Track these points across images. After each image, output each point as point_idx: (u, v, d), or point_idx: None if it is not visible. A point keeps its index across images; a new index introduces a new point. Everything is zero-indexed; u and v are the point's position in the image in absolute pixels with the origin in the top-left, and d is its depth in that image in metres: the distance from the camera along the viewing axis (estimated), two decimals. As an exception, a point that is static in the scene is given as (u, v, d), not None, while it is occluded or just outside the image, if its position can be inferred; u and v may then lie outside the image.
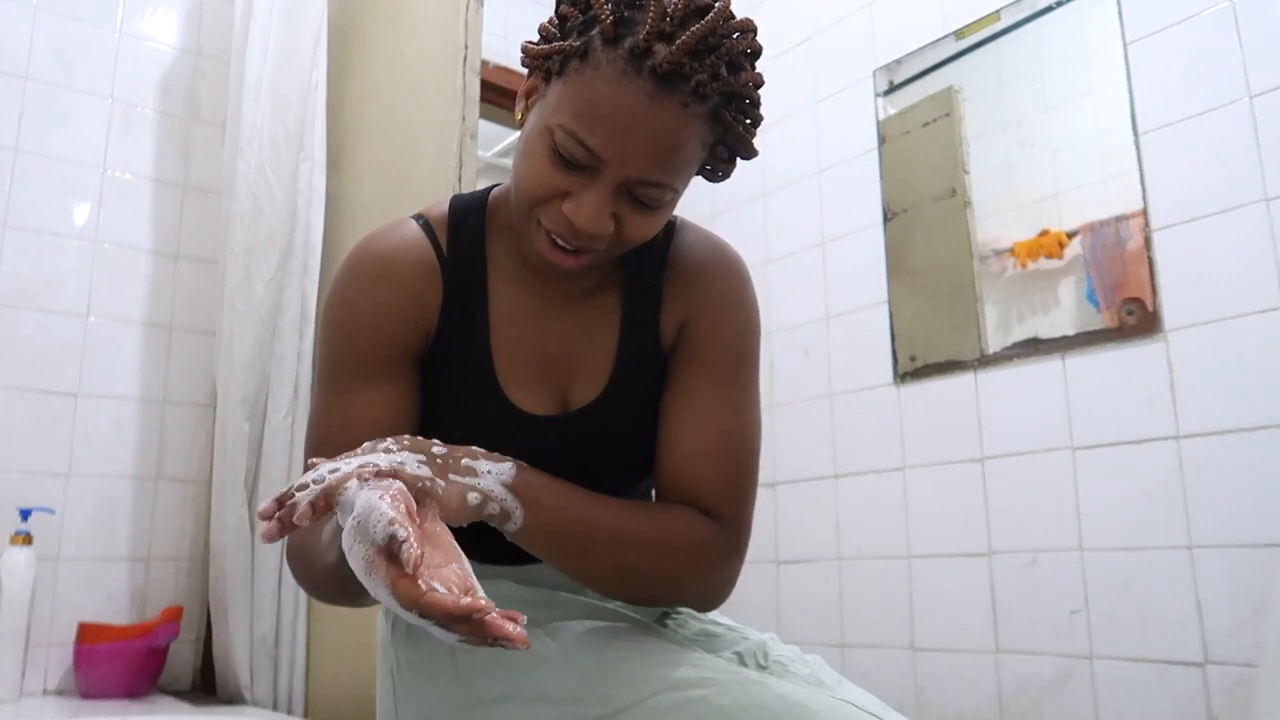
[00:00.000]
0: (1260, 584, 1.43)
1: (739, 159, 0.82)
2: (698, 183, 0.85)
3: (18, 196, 2.04)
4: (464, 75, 1.76)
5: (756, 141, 0.82)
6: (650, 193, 0.77)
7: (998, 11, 1.91)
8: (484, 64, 1.83)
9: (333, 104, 2.18)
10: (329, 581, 0.77)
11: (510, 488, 0.74)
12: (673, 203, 0.81)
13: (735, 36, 0.76)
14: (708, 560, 0.83)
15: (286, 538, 0.82)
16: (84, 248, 2.10)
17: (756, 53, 0.78)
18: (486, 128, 1.86)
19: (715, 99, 0.75)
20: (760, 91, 0.79)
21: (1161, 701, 1.52)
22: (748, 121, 0.79)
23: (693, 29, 0.72)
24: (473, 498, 0.71)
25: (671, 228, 0.94)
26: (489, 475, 0.73)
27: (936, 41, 2.01)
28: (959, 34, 1.97)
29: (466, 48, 1.77)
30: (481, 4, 1.80)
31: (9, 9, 2.08)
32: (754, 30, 0.77)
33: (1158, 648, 1.54)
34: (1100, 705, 1.60)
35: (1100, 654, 1.61)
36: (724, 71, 0.75)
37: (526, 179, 0.79)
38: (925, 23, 2.04)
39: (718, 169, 0.83)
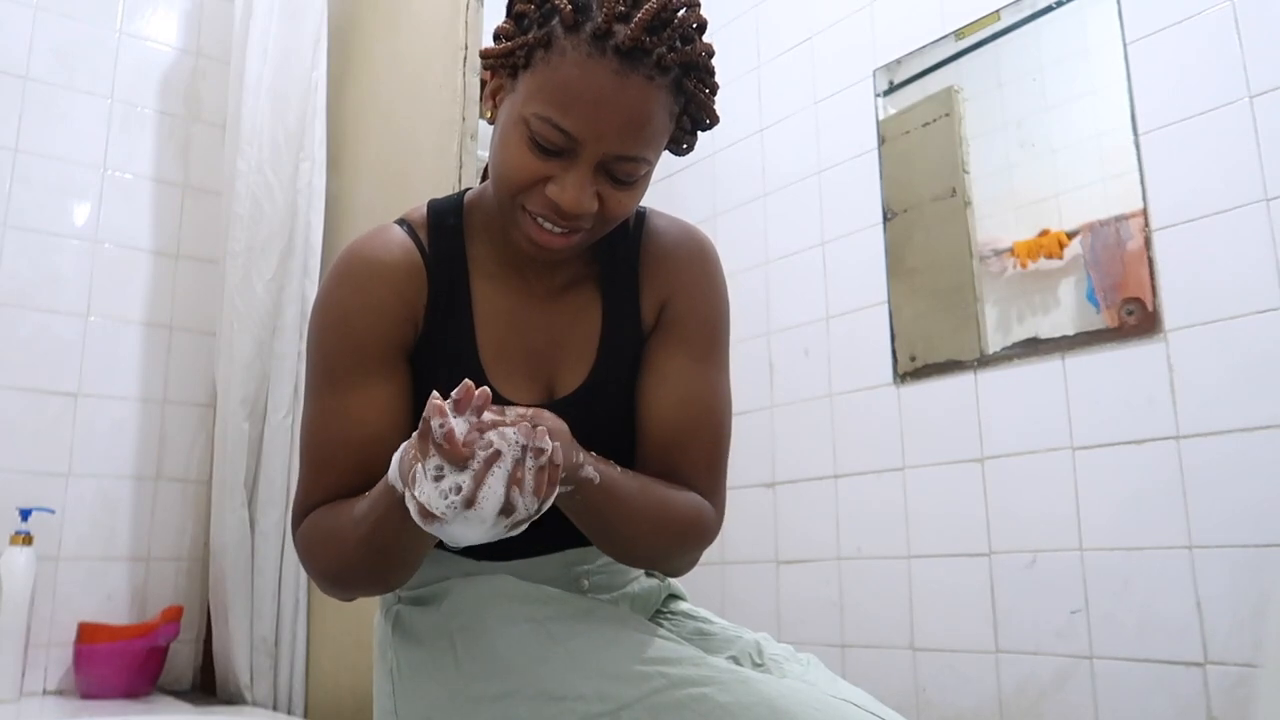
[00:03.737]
0: (1260, 584, 1.42)
1: (699, 130, 0.87)
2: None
3: (18, 196, 2.04)
4: (464, 75, 1.76)
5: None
6: (627, 167, 0.81)
7: (998, 11, 1.91)
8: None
9: (333, 104, 2.18)
10: (358, 559, 0.78)
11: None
12: (647, 176, 0.85)
13: (684, 11, 0.80)
14: (704, 536, 0.89)
15: (303, 532, 0.83)
16: (84, 248, 2.11)
17: (703, 26, 0.83)
18: (486, 128, 1.86)
19: (676, 70, 0.79)
20: (713, 60, 0.84)
21: (1161, 701, 1.52)
22: (706, 90, 0.84)
23: (646, 7, 0.77)
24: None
25: (642, 216, 0.98)
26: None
27: (936, 41, 2.01)
28: (959, 34, 1.97)
29: (466, 48, 1.77)
30: (481, 4, 1.80)
31: (9, 9, 2.08)
32: (699, 5, 0.82)
33: (1158, 648, 1.54)
34: (1100, 705, 1.60)
35: (1100, 654, 1.61)
36: (679, 44, 0.79)
37: (507, 169, 0.82)
38: (925, 23, 2.04)
39: (682, 140, 0.87)
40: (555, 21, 0.78)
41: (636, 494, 0.82)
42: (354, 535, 0.77)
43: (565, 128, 0.77)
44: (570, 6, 0.77)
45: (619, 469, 0.82)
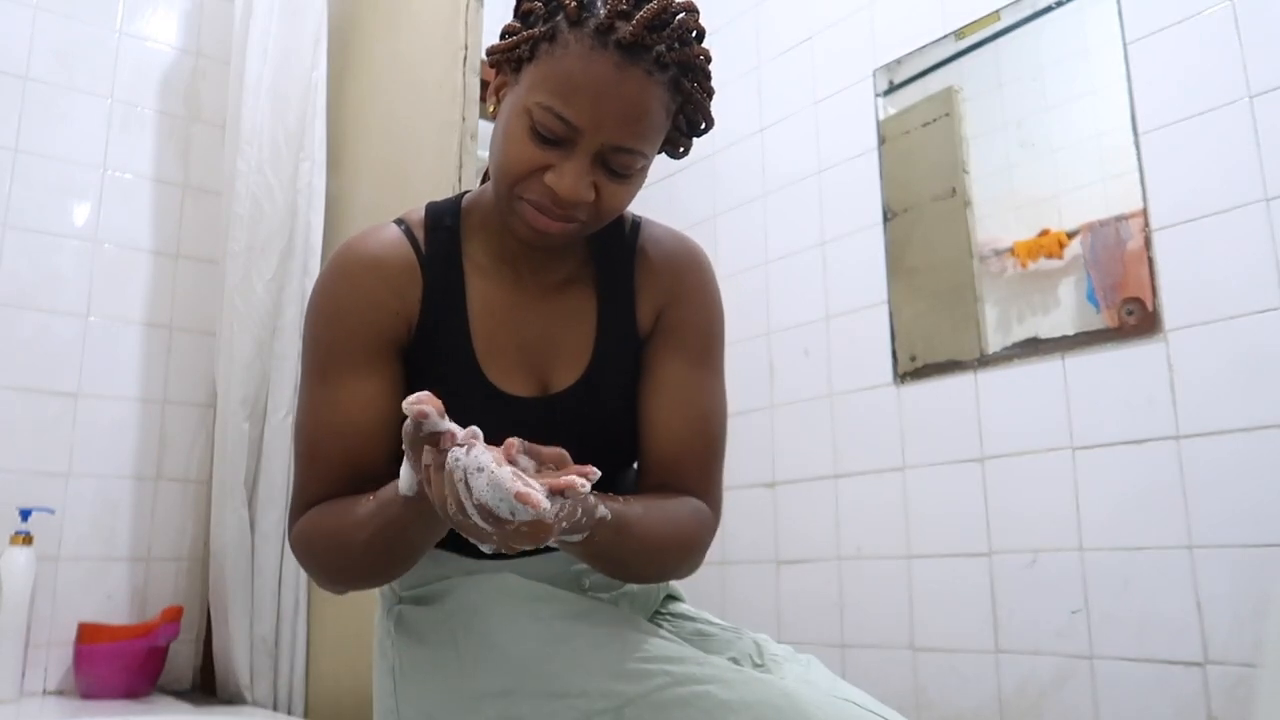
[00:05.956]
0: (1260, 584, 1.42)
1: (695, 134, 0.90)
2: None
3: (18, 196, 2.04)
4: (464, 75, 1.76)
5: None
6: (623, 159, 0.83)
7: (998, 11, 1.91)
8: (484, 64, 1.83)
9: (333, 104, 2.18)
10: (364, 559, 0.80)
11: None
12: (643, 173, 0.87)
13: (683, 15, 0.83)
14: (705, 544, 0.92)
15: (301, 529, 0.84)
16: (84, 248, 2.11)
17: (701, 32, 0.86)
18: (486, 128, 1.85)
19: (674, 68, 0.82)
20: (710, 65, 0.87)
21: (1161, 701, 1.52)
22: (703, 93, 0.87)
23: (648, 6, 0.80)
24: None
25: (636, 224, 1.00)
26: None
27: (936, 41, 2.01)
28: (959, 34, 1.97)
29: (466, 48, 1.77)
30: (481, 4, 1.80)
31: (9, 9, 2.08)
32: (698, 11, 0.85)
33: (1158, 648, 1.54)
34: (1100, 705, 1.60)
35: (1100, 654, 1.61)
36: (678, 44, 0.82)
37: (507, 158, 0.84)
38: (925, 23, 2.04)
39: (678, 142, 0.89)
40: (560, 16, 0.81)
41: (645, 524, 0.83)
42: (360, 537, 0.78)
43: (566, 116, 0.80)
44: (575, 3, 0.80)
45: (622, 500, 0.82)
